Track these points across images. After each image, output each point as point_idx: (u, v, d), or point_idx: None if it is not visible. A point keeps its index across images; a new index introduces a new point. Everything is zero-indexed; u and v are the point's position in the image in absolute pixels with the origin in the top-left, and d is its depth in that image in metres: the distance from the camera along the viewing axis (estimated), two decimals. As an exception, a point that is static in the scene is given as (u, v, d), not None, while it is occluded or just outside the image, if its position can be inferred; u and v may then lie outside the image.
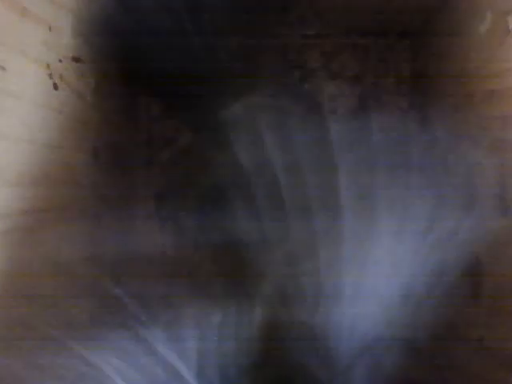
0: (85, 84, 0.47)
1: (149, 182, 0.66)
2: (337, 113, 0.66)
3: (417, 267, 0.46)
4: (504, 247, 0.39)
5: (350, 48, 0.66)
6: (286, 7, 0.58)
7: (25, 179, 0.37)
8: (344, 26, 0.64)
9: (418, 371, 0.55)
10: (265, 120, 0.52)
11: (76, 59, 0.45)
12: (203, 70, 0.57)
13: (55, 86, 0.41)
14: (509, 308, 0.38)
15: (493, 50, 0.41)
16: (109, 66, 0.53)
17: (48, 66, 0.40)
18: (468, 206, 0.47)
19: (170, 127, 0.66)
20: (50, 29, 0.40)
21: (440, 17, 0.55)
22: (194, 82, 0.55)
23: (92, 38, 0.48)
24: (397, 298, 0.46)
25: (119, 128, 0.57)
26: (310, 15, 0.60)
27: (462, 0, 0.49)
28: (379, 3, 0.56)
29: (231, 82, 0.56)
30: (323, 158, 0.51)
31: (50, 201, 0.41)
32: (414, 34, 0.65)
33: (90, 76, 0.48)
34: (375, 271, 0.46)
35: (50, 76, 0.40)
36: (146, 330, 0.43)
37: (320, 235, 0.47)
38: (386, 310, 0.46)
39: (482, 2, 0.44)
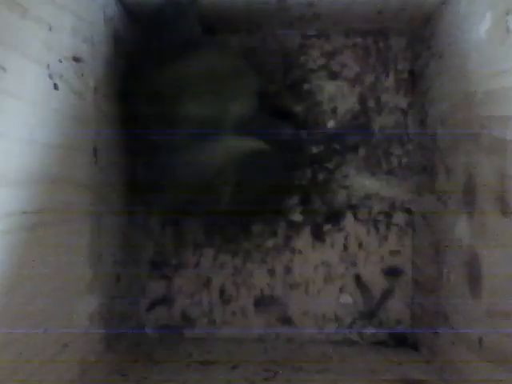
0: (85, 84, 0.47)
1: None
2: (337, 113, 0.66)
3: None
4: (504, 247, 0.39)
5: (350, 48, 0.67)
6: (285, 7, 0.58)
7: (25, 179, 0.37)
8: (344, 26, 0.64)
9: (418, 371, 0.55)
10: None
11: (76, 59, 0.45)
12: None
13: (55, 86, 0.41)
14: (509, 308, 0.38)
15: (493, 49, 0.41)
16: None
17: (48, 66, 0.40)
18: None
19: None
20: (50, 29, 0.40)
21: (440, 17, 0.55)
22: None
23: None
24: None
25: (119, 128, 0.57)
26: (310, 15, 0.60)
27: (462, 0, 0.49)
28: (379, 3, 0.56)
29: None
30: None
31: (50, 201, 0.41)
32: (414, 33, 0.65)
33: (89, 76, 0.48)
34: None
35: (50, 76, 0.40)
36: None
37: None
38: None
39: (482, 2, 0.44)
